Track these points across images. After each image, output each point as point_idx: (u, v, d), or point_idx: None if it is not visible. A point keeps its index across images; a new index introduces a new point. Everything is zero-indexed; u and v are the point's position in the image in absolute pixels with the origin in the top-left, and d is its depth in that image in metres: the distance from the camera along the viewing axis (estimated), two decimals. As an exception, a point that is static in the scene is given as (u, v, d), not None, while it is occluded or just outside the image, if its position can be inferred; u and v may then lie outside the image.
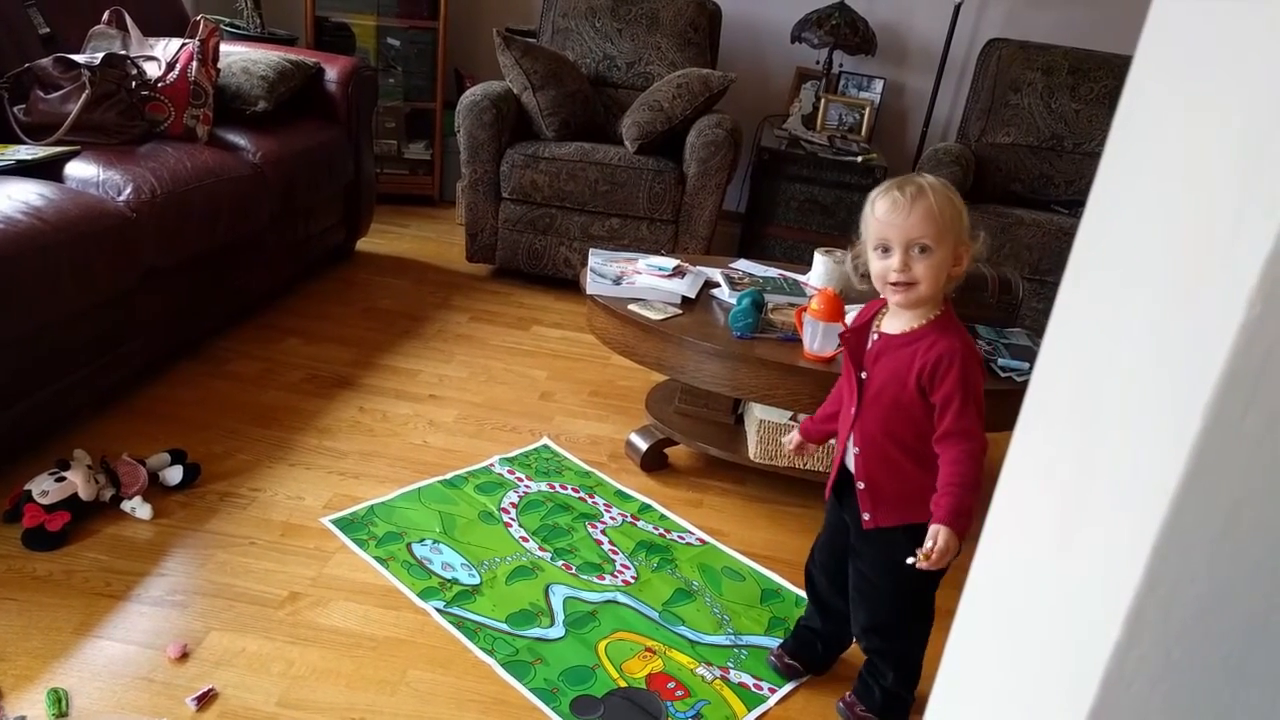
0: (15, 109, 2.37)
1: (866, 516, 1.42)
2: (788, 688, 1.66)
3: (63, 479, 1.81)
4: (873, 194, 1.33)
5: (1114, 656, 0.28)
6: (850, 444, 1.42)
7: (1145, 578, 0.27)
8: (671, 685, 1.63)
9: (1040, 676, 0.33)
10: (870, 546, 1.45)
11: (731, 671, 1.68)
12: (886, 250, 1.31)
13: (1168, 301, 0.29)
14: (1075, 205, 3.45)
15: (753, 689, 1.65)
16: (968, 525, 1.28)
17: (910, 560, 1.28)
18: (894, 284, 1.31)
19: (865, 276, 1.38)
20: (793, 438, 1.62)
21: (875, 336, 1.39)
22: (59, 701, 1.40)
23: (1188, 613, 0.28)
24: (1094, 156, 3.56)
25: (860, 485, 1.42)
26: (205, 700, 1.45)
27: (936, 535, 1.28)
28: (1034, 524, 0.36)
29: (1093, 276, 0.35)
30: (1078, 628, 0.30)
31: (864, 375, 1.39)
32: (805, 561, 1.67)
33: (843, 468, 1.46)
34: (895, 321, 1.38)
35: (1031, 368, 2.01)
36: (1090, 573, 0.30)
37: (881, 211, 1.30)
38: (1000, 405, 1.99)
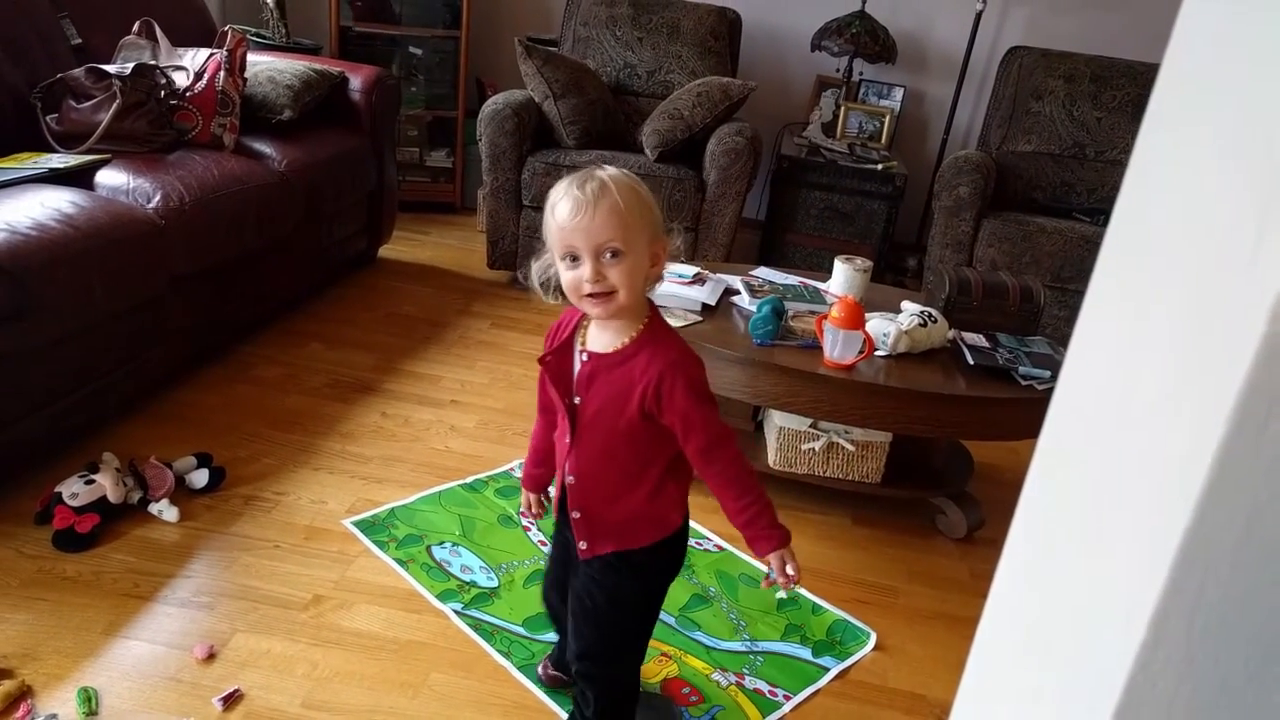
0: (48, 118, 2.41)
1: (583, 545, 1.30)
2: (803, 695, 1.66)
3: (92, 481, 1.84)
4: (551, 196, 1.17)
5: (1139, 657, 0.29)
6: (566, 470, 1.29)
7: (1170, 580, 0.28)
8: (686, 690, 1.64)
9: (1065, 677, 0.34)
10: (588, 570, 1.33)
11: (747, 678, 1.68)
12: (575, 259, 1.15)
13: (1193, 310, 0.30)
14: (1097, 213, 3.44)
15: (768, 695, 1.65)
16: (787, 532, 1.25)
17: (780, 595, 1.25)
18: (590, 295, 1.16)
19: (557, 290, 1.22)
20: (525, 500, 1.48)
21: (584, 356, 1.24)
22: (89, 700, 1.42)
23: (1211, 615, 0.28)
24: (1116, 164, 3.54)
25: (575, 514, 1.29)
26: (231, 701, 1.47)
27: (785, 562, 1.24)
28: (1059, 528, 0.37)
29: (1117, 285, 0.36)
30: (1103, 628, 0.31)
31: (577, 400, 1.25)
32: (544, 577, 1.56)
33: (564, 488, 1.33)
34: (602, 337, 1.23)
35: (1053, 376, 2.01)
36: (1116, 575, 0.31)
37: (563, 216, 1.14)
38: (1022, 413, 1.99)
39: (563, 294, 1.21)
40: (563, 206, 1.14)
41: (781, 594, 1.23)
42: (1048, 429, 0.40)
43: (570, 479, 1.28)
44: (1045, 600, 0.38)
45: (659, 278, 1.22)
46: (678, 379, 1.17)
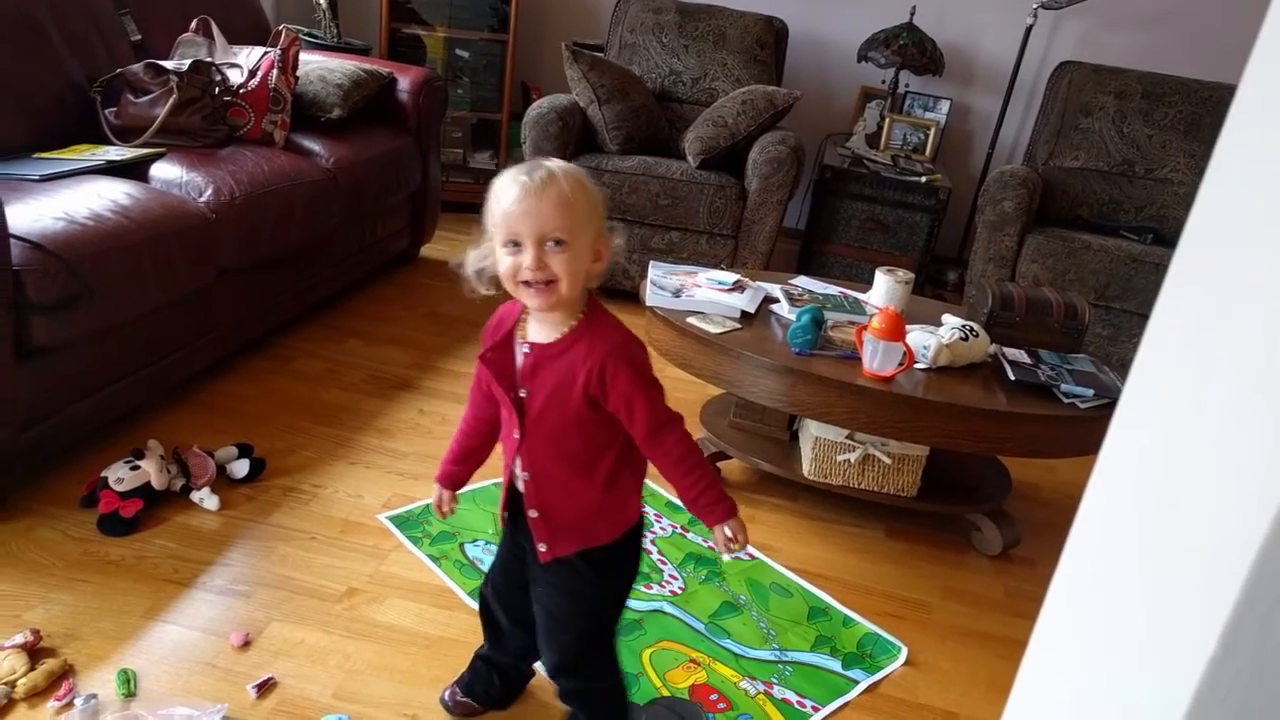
0: (107, 111, 2.47)
1: (543, 548, 1.27)
2: (832, 707, 1.65)
3: (137, 468, 1.88)
4: (496, 182, 1.16)
5: (1207, 672, 0.28)
6: (518, 469, 1.27)
7: (1243, 594, 0.27)
8: (714, 697, 1.63)
9: (1126, 693, 0.33)
10: (550, 576, 1.30)
11: (775, 687, 1.68)
12: (518, 245, 1.13)
13: (1269, 322, 0.30)
14: (1145, 232, 3.38)
15: (795, 706, 1.64)
16: (732, 504, 1.25)
17: (726, 557, 1.22)
18: (527, 283, 1.14)
19: (494, 280, 1.20)
20: (439, 497, 1.42)
21: (525, 349, 1.22)
22: (128, 682, 1.45)
23: (1285, 628, 0.28)
24: (1166, 183, 3.49)
25: (533, 514, 1.27)
26: (265, 689, 1.49)
27: (730, 529, 1.24)
28: (1121, 541, 0.36)
29: (1192, 288, 0.35)
30: (1169, 642, 0.31)
31: (523, 394, 1.23)
32: (479, 585, 1.52)
33: (513, 490, 1.30)
34: (543, 328, 1.21)
35: (1097, 394, 1.98)
36: (1184, 588, 0.31)
37: (509, 201, 1.12)
38: (1064, 432, 1.96)
39: (498, 285, 1.19)
40: (509, 191, 1.13)
41: (726, 557, 1.22)
42: (1110, 442, 0.39)
43: (524, 475, 1.26)
44: (1105, 614, 0.37)
45: (601, 274, 1.20)
46: (620, 364, 1.16)
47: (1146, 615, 0.34)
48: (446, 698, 1.53)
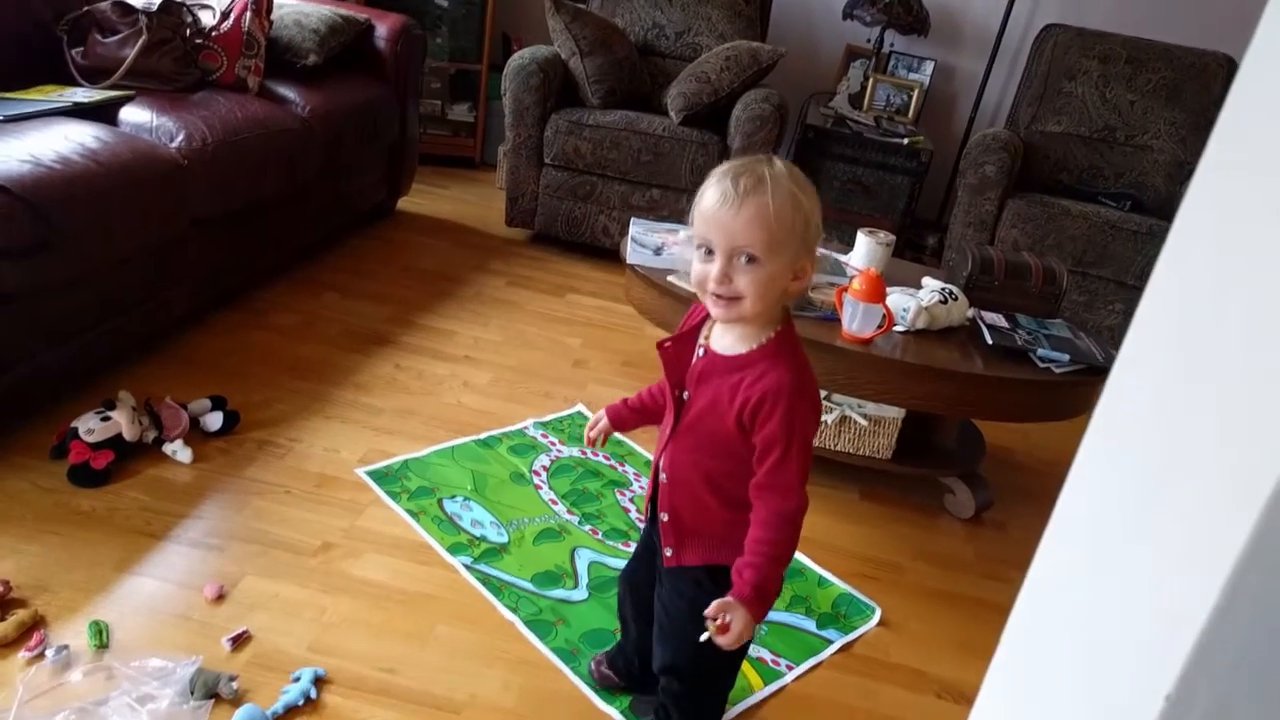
0: (73, 51, 2.39)
1: (668, 553, 1.23)
2: (806, 665, 1.67)
3: (108, 419, 1.85)
4: (712, 171, 1.08)
5: (1210, 623, 0.28)
6: (662, 465, 1.22)
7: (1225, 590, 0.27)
8: (693, 655, 1.65)
9: (1113, 678, 0.33)
10: (672, 579, 1.26)
11: (751, 646, 1.69)
12: (710, 252, 1.06)
13: (1272, 292, 0.29)
14: (1124, 198, 3.39)
15: (770, 664, 1.66)
16: (767, 608, 1.10)
17: (703, 636, 1.10)
18: (714, 294, 1.07)
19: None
20: (599, 423, 1.36)
21: (701, 351, 1.16)
22: (100, 634, 1.44)
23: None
24: (1146, 149, 3.49)
25: (664, 516, 1.23)
26: (239, 642, 1.49)
27: (731, 611, 1.08)
28: (1114, 499, 0.36)
29: (1196, 254, 0.35)
30: (1155, 622, 0.30)
31: (685, 395, 1.17)
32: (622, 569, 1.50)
33: (655, 485, 1.26)
34: (726, 337, 1.14)
35: (1072, 359, 1.99)
36: (1181, 551, 0.30)
37: (707, 205, 1.04)
38: (1038, 396, 1.98)
39: None
40: (711, 193, 1.05)
41: (703, 636, 1.11)
42: (1104, 405, 0.39)
43: (663, 476, 1.22)
44: (1097, 573, 0.37)
45: (800, 293, 1.11)
46: (780, 403, 1.07)
47: (1140, 575, 0.33)
48: (592, 666, 1.54)
